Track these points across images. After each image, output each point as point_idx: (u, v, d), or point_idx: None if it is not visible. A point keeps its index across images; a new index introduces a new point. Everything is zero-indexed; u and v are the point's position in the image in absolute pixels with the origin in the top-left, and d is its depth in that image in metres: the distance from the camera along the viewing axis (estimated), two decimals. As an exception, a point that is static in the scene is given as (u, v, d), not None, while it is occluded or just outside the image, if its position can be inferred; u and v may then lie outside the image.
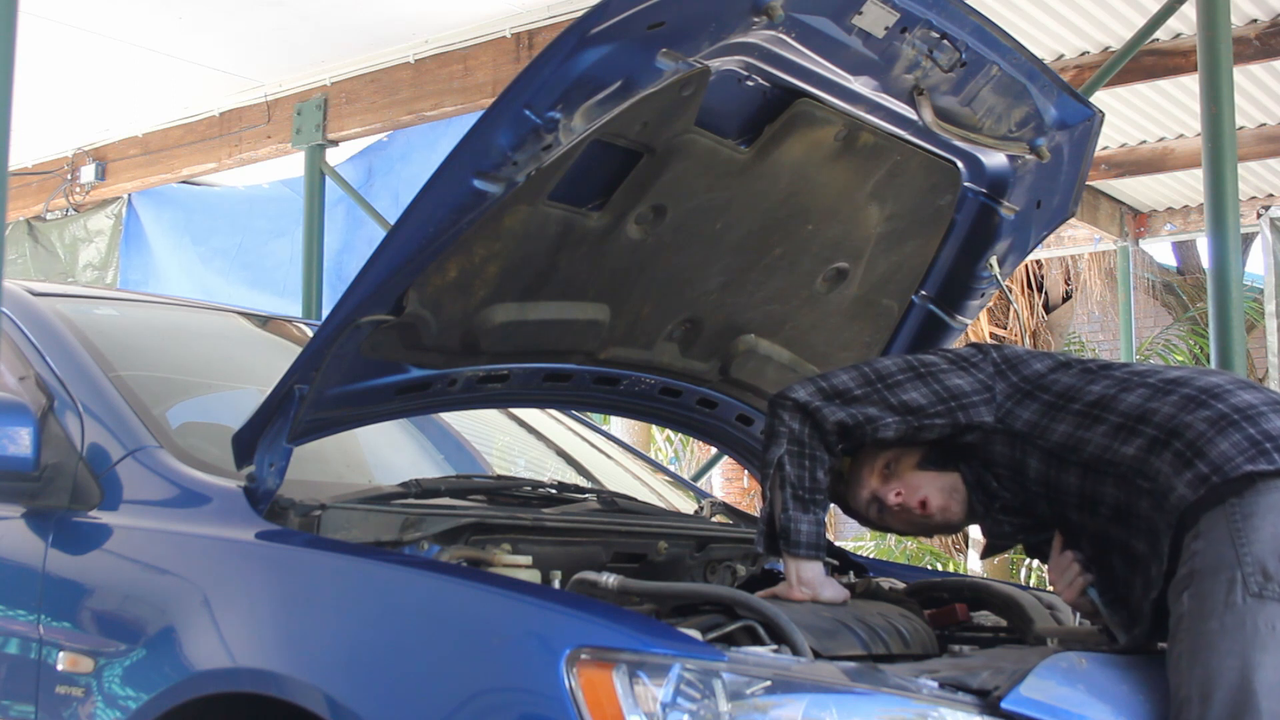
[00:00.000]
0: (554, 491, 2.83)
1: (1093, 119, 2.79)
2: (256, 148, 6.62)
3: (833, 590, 2.41)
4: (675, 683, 1.76)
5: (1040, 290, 12.95)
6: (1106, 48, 5.92)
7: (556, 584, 2.34)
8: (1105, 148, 7.13)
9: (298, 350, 2.33)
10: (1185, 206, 8.17)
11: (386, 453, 3.41)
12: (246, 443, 2.28)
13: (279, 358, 2.97)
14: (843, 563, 2.97)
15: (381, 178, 6.75)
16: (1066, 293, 13.20)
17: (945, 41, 2.45)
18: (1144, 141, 7.19)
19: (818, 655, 2.03)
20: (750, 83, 2.41)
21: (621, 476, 3.55)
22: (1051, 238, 4.44)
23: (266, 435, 2.26)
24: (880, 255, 2.89)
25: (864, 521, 2.64)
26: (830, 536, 3.36)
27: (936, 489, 2.50)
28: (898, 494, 2.51)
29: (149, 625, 2.20)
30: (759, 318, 2.91)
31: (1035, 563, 10.58)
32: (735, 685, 1.78)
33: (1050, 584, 2.49)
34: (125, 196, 7.62)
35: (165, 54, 6.03)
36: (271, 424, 2.26)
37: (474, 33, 5.78)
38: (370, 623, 2.01)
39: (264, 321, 3.60)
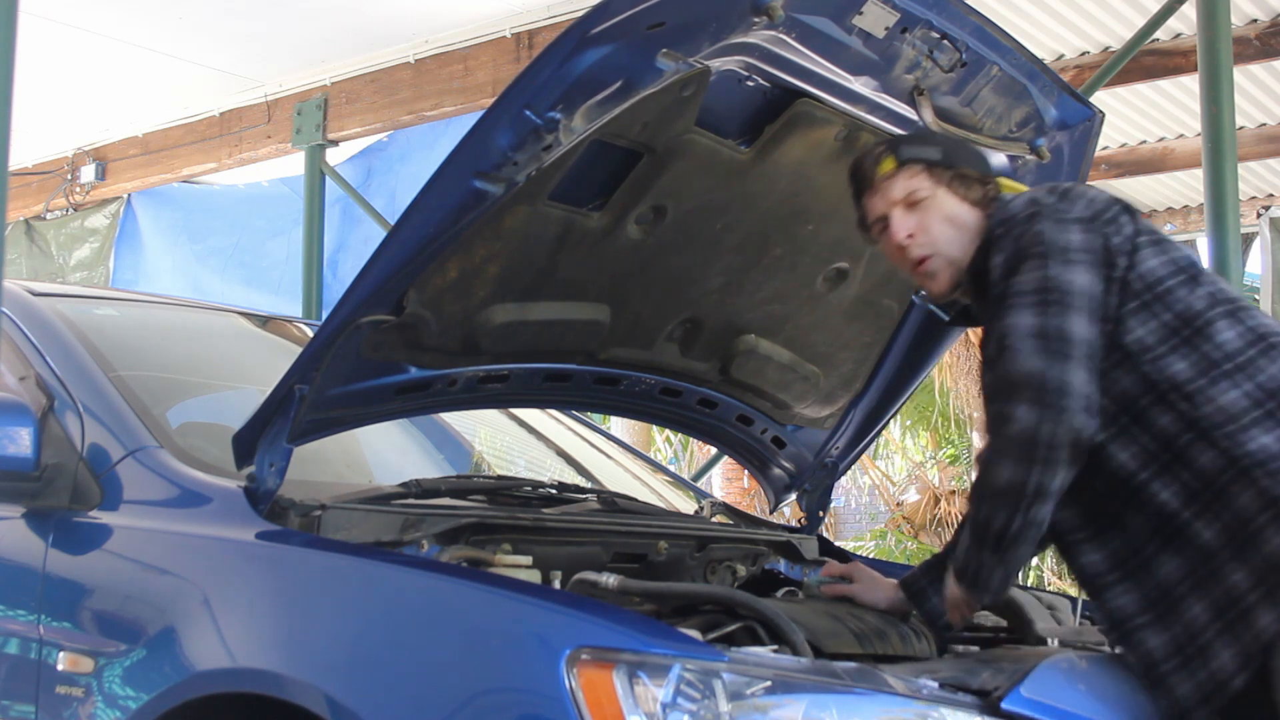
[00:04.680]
0: (554, 491, 2.83)
1: (1093, 119, 2.79)
2: (256, 148, 6.62)
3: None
4: (675, 683, 1.76)
5: (1040, 290, 12.93)
6: (1106, 48, 5.92)
7: (556, 584, 2.34)
8: (1105, 148, 7.13)
9: (298, 350, 2.33)
10: (1185, 206, 8.17)
11: (386, 453, 3.41)
12: (247, 443, 2.28)
13: (279, 358, 2.97)
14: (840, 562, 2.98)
15: (380, 178, 6.76)
16: (1066, 293, 13.18)
17: (945, 42, 2.45)
18: (1144, 141, 7.19)
19: (818, 655, 2.03)
20: (750, 83, 2.41)
21: (621, 476, 3.55)
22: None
23: (267, 435, 2.26)
24: (881, 256, 2.88)
25: (864, 234, 2.42)
26: (829, 536, 3.37)
27: (965, 248, 2.27)
28: (910, 235, 2.30)
29: (149, 625, 2.20)
30: (759, 318, 2.91)
31: (1034, 561, 10.60)
32: (735, 685, 1.78)
33: None
34: (124, 196, 7.63)
35: (165, 54, 6.04)
36: (272, 424, 2.26)
37: (474, 33, 5.78)
38: (370, 623, 2.01)
39: (264, 321, 3.60)
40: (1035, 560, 10.24)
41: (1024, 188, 2.42)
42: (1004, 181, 2.38)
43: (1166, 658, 2.03)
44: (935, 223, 2.28)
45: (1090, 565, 2.12)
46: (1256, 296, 7.88)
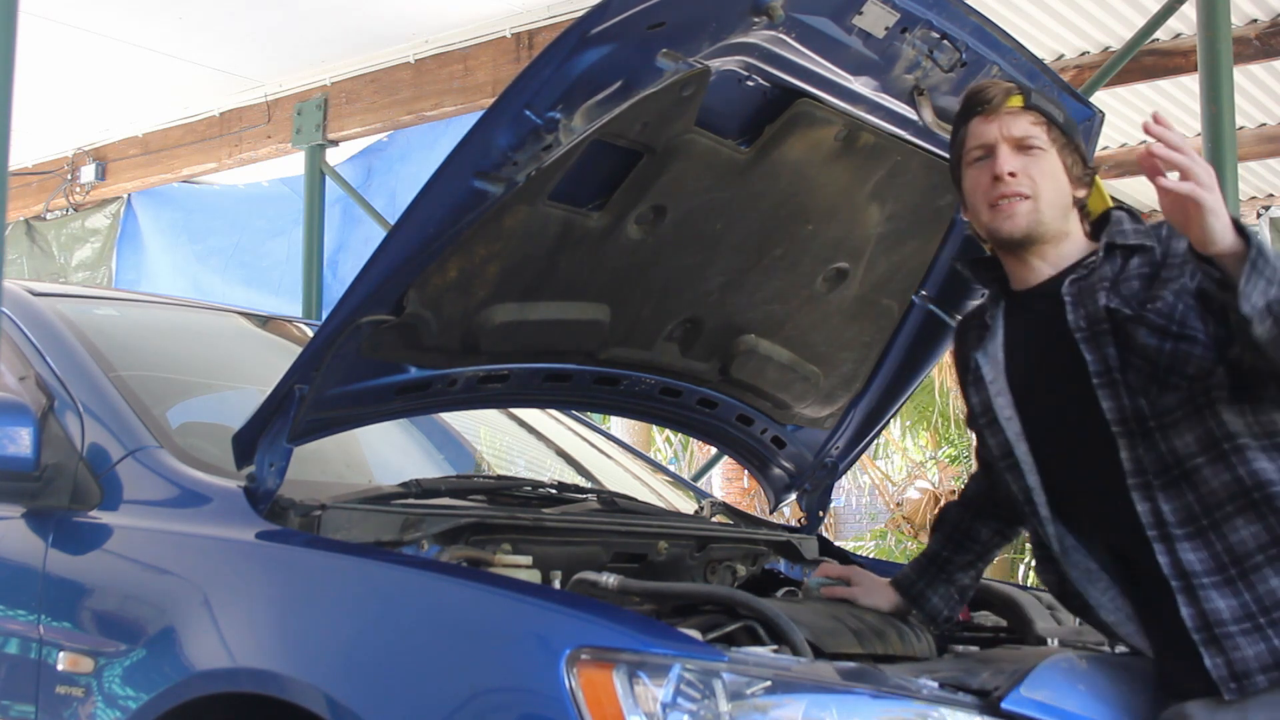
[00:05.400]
0: (554, 491, 2.83)
1: (1093, 119, 2.79)
2: (256, 148, 6.63)
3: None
4: (675, 683, 1.76)
5: (1041, 289, 12.92)
6: (1106, 48, 5.92)
7: (556, 584, 2.34)
8: (1105, 148, 7.12)
9: (298, 350, 2.33)
10: (1185, 206, 8.15)
11: (386, 453, 3.41)
12: (246, 443, 2.28)
13: (279, 358, 2.97)
14: (841, 563, 2.98)
15: (380, 178, 6.76)
16: (1066, 292, 13.17)
17: (945, 42, 2.45)
18: (1144, 141, 7.16)
19: (818, 655, 2.03)
20: (750, 83, 2.41)
21: (621, 476, 3.55)
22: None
23: (266, 435, 2.26)
24: (880, 255, 2.89)
25: (953, 156, 2.35)
26: (829, 536, 3.37)
27: (1055, 210, 2.23)
28: (1013, 174, 2.23)
29: (149, 625, 2.20)
30: (759, 318, 2.91)
31: (1034, 562, 10.55)
32: (735, 685, 1.78)
33: None
34: (124, 196, 7.63)
35: (165, 54, 6.04)
36: (271, 424, 2.26)
37: (474, 33, 5.79)
38: (370, 623, 2.01)
39: (264, 321, 3.60)
40: (1033, 560, 10.23)
41: (1108, 195, 2.42)
42: (1099, 180, 2.37)
43: (1236, 620, 2.02)
44: (1040, 174, 2.24)
45: (1164, 514, 2.09)
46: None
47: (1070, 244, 2.28)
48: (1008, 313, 2.34)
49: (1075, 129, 2.33)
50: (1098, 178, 2.35)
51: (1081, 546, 2.23)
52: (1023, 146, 2.24)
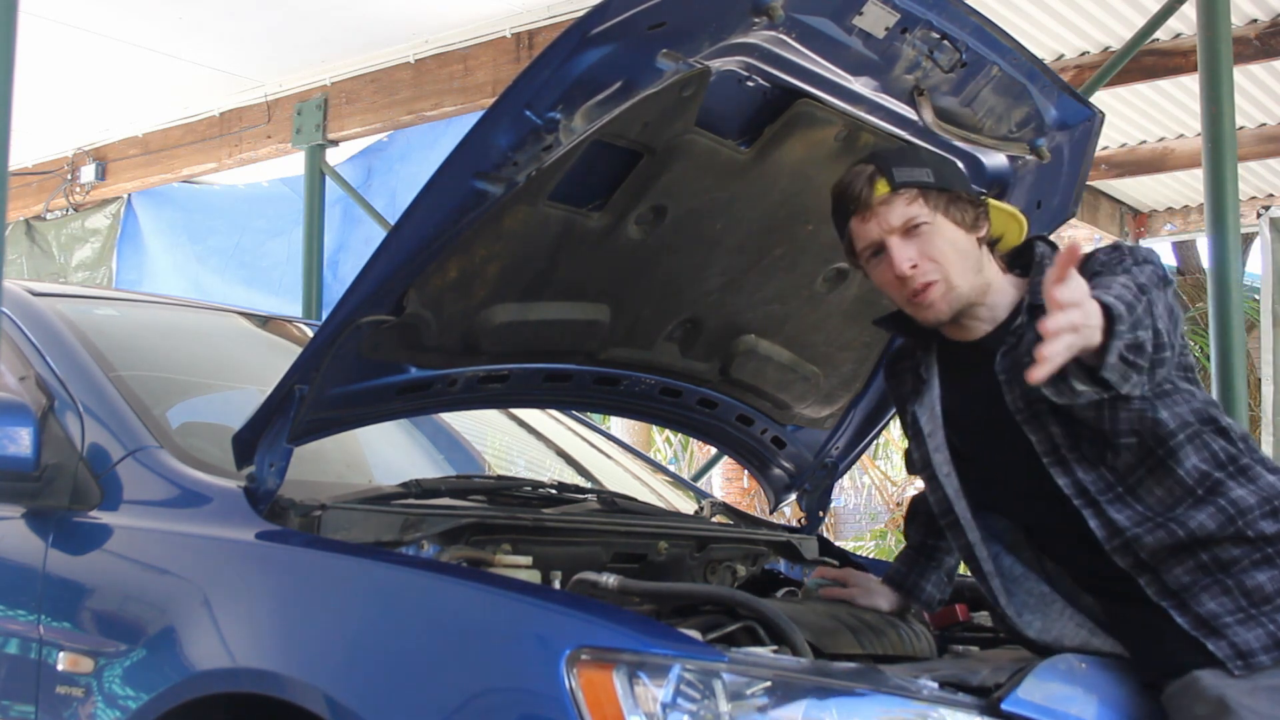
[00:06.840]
0: (554, 491, 2.83)
1: (1093, 119, 2.79)
2: (256, 148, 6.62)
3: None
4: (675, 683, 1.76)
5: (1040, 290, 12.92)
6: (1106, 48, 5.92)
7: (556, 584, 2.34)
8: (1105, 148, 7.13)
9: (298, 350, 2.33)
10: (1185, 206, 8.17)
11: (386, 453, 3.41)
12: (247, 443, 2.28)
13: (279, 358, 2.98)
14: (841, 564, 2.98)
15: (380, 178, 6.76)
16: (1066, 293, 13.17)
17: (945, 42, 2.45)
18: (1144, 141, 7.18)
19: (818, 655, 2.03)
20: (750, 83, 2.41)
21: (621, 476, 3.55)
22: (1052, 238, 4.43)
23: (267, 435, 2.26)
24: (880, 255, 2.88)
25: (847, 253, 2.30)
26: (829, 536, 3.37)
27: (966, 274, 2.19)
28: (913, 266, 2.18)
29: (149, 625, 2.20)
30: (759, 318, 2.91)
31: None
32: (735, 686, 1.78)
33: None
34: (125, 196, 7.63)
35: (165, 54, 6.04)
36: (272, 424, 2.26)
37: (474, 33, 5.79)
38: (370, 623, 2.01)
39: (264, 321, 3.60)
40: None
41: (1013, 209, 2.41)
42: (993, 203, 2.35)
43: (1230, 613, 2.06)
44: (938, 250, 2.18)
45: (1145, 559, 2.11)
46: (1256, 297, 7.88)
47: (995, 292, 2.25)
48: (942, 362, 2.32)
49: (947, 173, 2.27)
50: (990, 200, 2.31)
51: (1031, 573, 2.25)
52: (909, 231, 2.19)
